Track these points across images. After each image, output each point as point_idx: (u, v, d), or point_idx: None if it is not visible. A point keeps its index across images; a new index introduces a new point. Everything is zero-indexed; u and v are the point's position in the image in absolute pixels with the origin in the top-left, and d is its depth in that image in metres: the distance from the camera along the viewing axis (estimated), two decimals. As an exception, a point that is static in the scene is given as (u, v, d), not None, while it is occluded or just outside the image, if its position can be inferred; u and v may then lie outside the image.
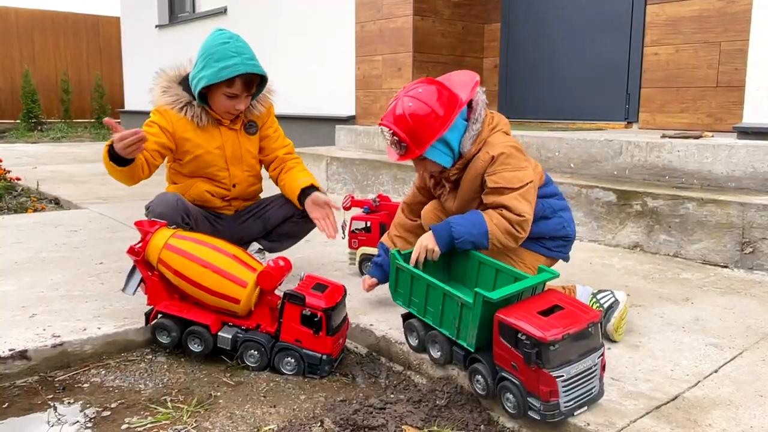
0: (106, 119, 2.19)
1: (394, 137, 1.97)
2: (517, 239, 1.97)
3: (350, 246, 2.71)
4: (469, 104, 2.04)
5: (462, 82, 2.06)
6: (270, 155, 2.71)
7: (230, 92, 2.39)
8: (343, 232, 2.64)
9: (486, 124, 2.04)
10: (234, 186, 2.61)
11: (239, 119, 2.58)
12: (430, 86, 1.98)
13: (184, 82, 2.50)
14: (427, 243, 1.98)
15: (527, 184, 1.97)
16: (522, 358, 1.46)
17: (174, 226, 2.13)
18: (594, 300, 2.05)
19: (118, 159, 2.21)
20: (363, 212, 2.71)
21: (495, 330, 1.55)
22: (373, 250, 2.59)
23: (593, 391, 1.53)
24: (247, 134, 2.62)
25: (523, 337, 1.46)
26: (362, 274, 2.61)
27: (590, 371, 1.51)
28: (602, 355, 1.55)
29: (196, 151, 2.50)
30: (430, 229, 2.02)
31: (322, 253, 3.04)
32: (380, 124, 2.00)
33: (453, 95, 1.99)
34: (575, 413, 1.49)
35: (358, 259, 2.67)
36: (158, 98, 2.49)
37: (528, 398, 1.49)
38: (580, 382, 1.48)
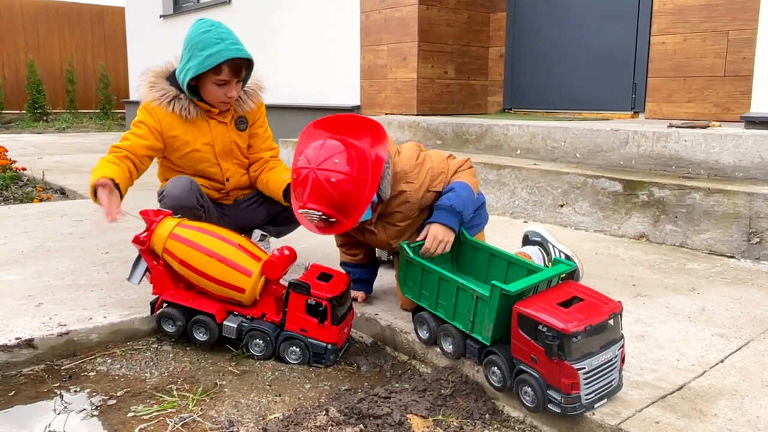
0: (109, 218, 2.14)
1: (323, 216, 1.81)
2: (476, 174, 2.11)
3: None
4: None
5: (366, 127, 1.94)
6: (255, 155, 2.65)
7: (219, 79, 2.35)
8: None
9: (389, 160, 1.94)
10: (227, 180, 2.59)
11: (230, 112, 2.54)
12: (347, 155, 1.80)
13: (171, 78, 2.47)
14: (443, 236, 1.92)
15: (446, 157, 2.08)
16: (543, 351, 1.45)
17: (179, 216, 2.13)
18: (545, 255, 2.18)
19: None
20: None
21: (514, 322, 1.53)
22: None
23: (613, 383, 1.52)
24: (237, 129, 2.58)
25: (545, 329, 1.44)
26: None
27: (611, 363, 1.50)
28: (622, 346, 1.54)
29: (185, 149, 2.47)
30: (432, 221, 1.95)
31: (327, 243, 3.03)
32: (303, 208, 1.80)
33: (361, 153, 1.83)
34: (595, 406, 1.48)
35: None
36: (145, 94, 2.45)
37: (548, 391, 1.48)
38: (601, 374, 1.47)
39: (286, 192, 2.51)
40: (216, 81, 2.36)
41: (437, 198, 2.01)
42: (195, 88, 2.41)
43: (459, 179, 2.02)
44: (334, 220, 1.82)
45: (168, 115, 2.43)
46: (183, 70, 2.36)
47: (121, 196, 2.26)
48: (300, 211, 1.84)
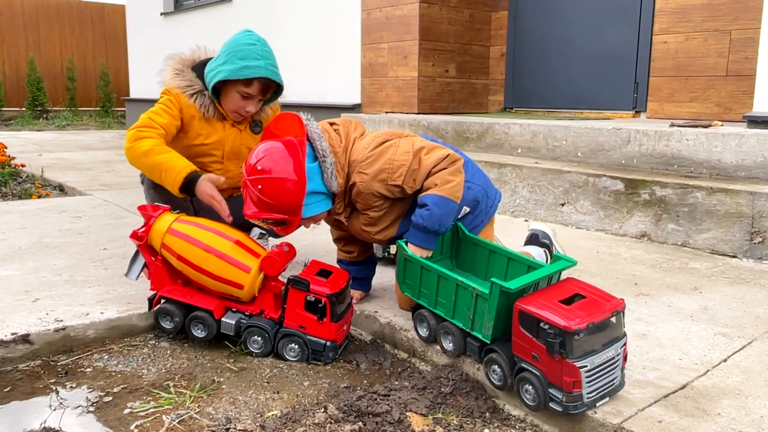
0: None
1: (269, 221, 1.88)
2: (459, 184, 1.90)
3: None
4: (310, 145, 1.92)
5: (286, 126, 1.95)
6: None
7: (246, 92, 2.35)
8: None
9: (337, 149, 1.94)
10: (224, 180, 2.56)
11: (245, 120, 2.53)
12: (265, 155, 1.84)
13: (198, 69, 2.46)
14: (420, 254, 1.89)
15: (416, 150, 1.90)
16: (544, 348, 1.43)
17: (178, 211, 2.11)
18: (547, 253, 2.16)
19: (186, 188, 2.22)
20: None
21: (515, 320, 1.51)
22: None
23: (615, 381, 1.50)
24: (252, 133, 2.56)
25: (546, 327, 1.43)
26: None
27: (613, 361, 1.48)
28: (625, 344, 1.52)
29: (195, 140, 2.46)
30: (406, 239, 1.92)
31: (327, 240, 3.01)
32: (250, 217, 1.87)
33: (289, 145, 1.86)
34: (597, 404, 1.46)
35: None
36: (170, 80, 2.44)
37: (549, 389, 1.46)
38: (603, 372, 1.46)
39: None
40: (242, 92, 2.35)
41: (416, 193, 1.92)
42: (217, 89, 2.40)
43: (435, 183, 1.87)
44: (283, 221, 1.87)
45: (190, 106, 2.42)
46: (215, 70, 2.34)
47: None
48: (250, 219, 1.89)
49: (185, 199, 2.35)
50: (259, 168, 1.82)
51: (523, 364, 1.52)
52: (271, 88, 2.42)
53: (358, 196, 1.96)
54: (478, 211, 2.12)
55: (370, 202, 1.96)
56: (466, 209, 2.07)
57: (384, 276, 2.37)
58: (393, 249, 2.58)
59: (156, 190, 2.42)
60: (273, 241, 2.63)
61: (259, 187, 1.82)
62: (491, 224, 2.21)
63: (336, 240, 2.26)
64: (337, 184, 1.91)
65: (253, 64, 2.29)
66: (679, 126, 3.49)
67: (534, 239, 2.39)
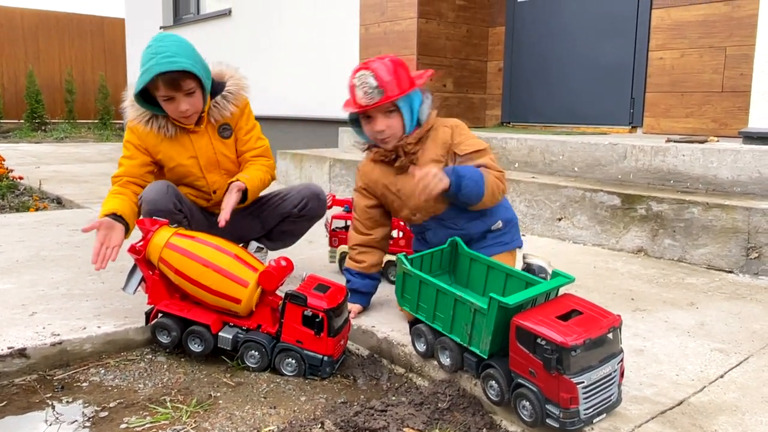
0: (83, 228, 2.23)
1: (373, 81, 1.99)
2: (501, 192, 2.09)
3: (330, 244, 2.75)
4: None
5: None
6: (240, 159, 2.59)
7: (162, 95, 2.28)
8: (326, 230, 2.73)
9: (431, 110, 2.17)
10: (215, 192, 2.54)
11: (203, 120, 2.45)
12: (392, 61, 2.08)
13: None
14: (435, 173, 1.91)
15: (487, 147, 2.13)
16: (541, 364, 1.43)
17: (176, 225, 2.11)
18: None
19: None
20: (343, 211, 2.73)
21: (512, 335, 1.51)
22: None
23: (612, 397, 1.50)
24: (222, 138, 2.51)
25: (543, 343, 1.43)
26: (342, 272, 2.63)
27: (610, 377, 1.48)
28: (621, 360, 1.53)
29: (170, 164, 2.46)
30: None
31: (324, 255, 3.02)
32: (358, 70, 2.03)
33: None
34: (594, 421, 1.46)
35: (338, 257, 2.71)
36: (128, 112, 2.44)
37: (546, 405, 1.46)
38: (600, 388, 1.46)
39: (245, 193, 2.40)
40: (161, 97, 2.30)
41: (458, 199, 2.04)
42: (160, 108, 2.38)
43: (486, 166, 2.06)
44: (382, 90, 1.99)
45: (149, 133, 2.41)
46: (134, 96, 2.35)
47: (128, 228, 2.26)
48: (357, 74, 2.02)
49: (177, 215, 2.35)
50: (386, 58, 2.07)
51: (520, 380, 1.52)
52: (186, 78, 2.25)
53: (430, 141, 2.11)
54: (507, 231, 2.22)
55: (435, 156, 2.09)
56: (499, 224, 2.18)
57: (382, 291, 2.37)
58: (392, 275, 2.59)
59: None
60: (271, 255, 2.63)
61: (386, 60, 2.04)
62: (513, 254, 2.23)
63: (353, 246, 2.27)
64: (426, 120, 2.12)
65: (145, 67, 2.23)
66: (675, 141, 3.51)
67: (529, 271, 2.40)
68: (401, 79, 2.03)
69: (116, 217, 2.24)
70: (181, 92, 2.28)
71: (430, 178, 1.88)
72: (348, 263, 2.27)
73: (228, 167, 2.56)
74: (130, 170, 2.41)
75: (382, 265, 2.34)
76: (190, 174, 2.50)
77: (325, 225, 2.71)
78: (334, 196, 2.77)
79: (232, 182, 2.39)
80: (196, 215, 2.50)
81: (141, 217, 2.28)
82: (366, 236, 2.24)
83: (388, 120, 2.06)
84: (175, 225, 2.12)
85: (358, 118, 2.13)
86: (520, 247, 2.26)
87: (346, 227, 2.70)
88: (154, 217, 2.13)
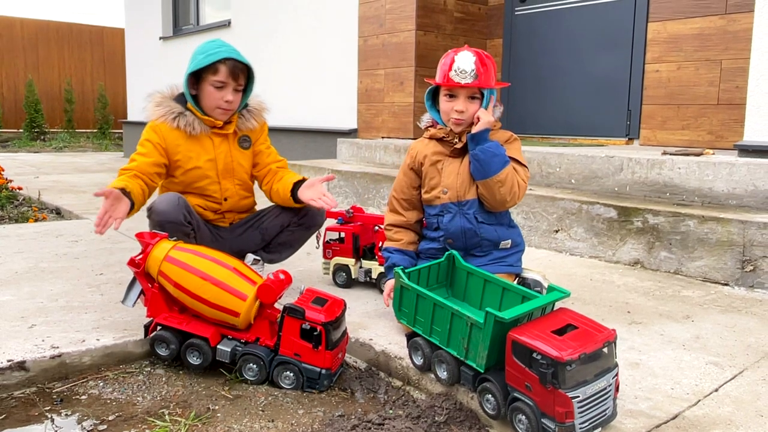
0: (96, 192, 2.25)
1: (473, 64, 2.11)
2: (520, 189, 2.17)
3: (324, 256, 2.76)
4: None
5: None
6: (263, 170, 2.69)
7: (216, 80, 2.42)
8: (318, 243, 2.75)
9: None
10: (225, 200, 2.61)
11: (232, 124, 2.57)
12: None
13: (178, 98, 2.54)
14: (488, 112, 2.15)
15: (527, 166, 2.26)
16: (537, 379, 1.45)
17: (175, 239, 2.13)
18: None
19: None
20: (337, 223, 2.75)
21: (508, 350, 1.53)
22: (347, 261, 2.66)
23: (607, 412, 1.51)
24: (241, 148, 2.62)
25: (539, 357, 1.44)
26: (336, 284, 2.71)
27: (605, 392, 1.49)
28: (616, 375, 1.54)
29: (187, 165, 2.52)
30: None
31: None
32: (460, 50, 2.15)
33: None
34: None
35: (331, 269, 2.73)
36: (152, 112, 2.52)
37: (542, 419, 1.47)
38: (595, 402, 1.47)
39: (294, 192, 2.56)
40: (213, 82, 2.42)
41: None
42: (196, 98, 2.48)
43: (513, 154, 2.20)
44: (477, 74, 2.11)
45: (173, 131, 2.48)
46: (185, 76, 2.44)
47: (132, 206, 2.29)
48: (460, 52, 2.14)
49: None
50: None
51: (516, 394, 1.53)
52: (242, 73, 2.48)
53: (494, 134, 2.23)
54: (512, 253, 2.28)
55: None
56: (508, 243, 2.26)
57: (378, 303, 2.39)
58: (375, 274, 2.63)
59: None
60: (269, 268, 2.64)
61: (481, 52, 2.17)
62: (512, 277, 2.27)
63: (388, 226, 2.37)
64: (497, 118, 2.23)
65: (212, 51, 2.40)
66: (671, 154, 3.54)
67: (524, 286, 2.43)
68: (491, 74, 2.17)
69: (125, 193, 2.27)
70: (235, 83, 2.45)
71: (483, 114, 2.13)
72: (386, 243, 2.36)
73: (242, 177, 2.64)
74: (141, 166, 2.44)
75: (416, 245, 2.38)
76: (205, 177, 2.55)
77: (316, 236, 2.73)
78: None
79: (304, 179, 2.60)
80: (202, 228, 2.54)
81: (150, 228, 2.32)
82: (401, 217, 2.35)
83: (469, 104, 2.17)
84: (175, 238, 2.13)
85: (436, 95, 2.25)
86: (519, 274, 2.31)
87: (340, 239, 2.72)
88: (158, 230, 2.15)
